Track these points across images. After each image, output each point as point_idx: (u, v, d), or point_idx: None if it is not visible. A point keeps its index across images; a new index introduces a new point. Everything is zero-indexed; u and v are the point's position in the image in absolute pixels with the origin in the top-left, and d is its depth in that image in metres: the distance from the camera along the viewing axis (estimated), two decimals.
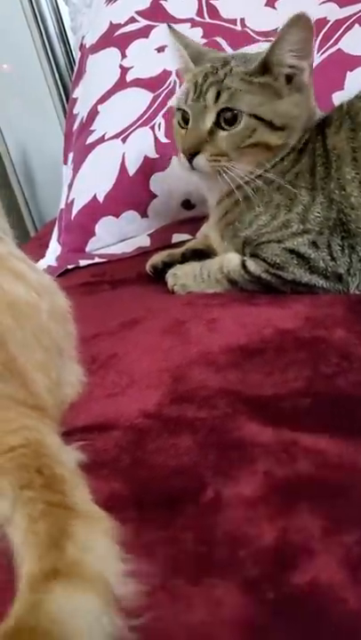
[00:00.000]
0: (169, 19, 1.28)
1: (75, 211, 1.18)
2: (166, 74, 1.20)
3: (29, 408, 0.52)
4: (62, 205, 1.25)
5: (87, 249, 1.18)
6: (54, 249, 1.23)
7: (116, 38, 1.31)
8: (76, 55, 1.71)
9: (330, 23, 1.15)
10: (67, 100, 1.83)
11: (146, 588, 0.36)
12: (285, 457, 0.46)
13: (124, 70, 1.25)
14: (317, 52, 1.12)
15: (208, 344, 0.67)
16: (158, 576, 0.37)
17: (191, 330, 0.72)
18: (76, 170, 1.22)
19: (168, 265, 0.93)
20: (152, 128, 1.15)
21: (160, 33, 1.26)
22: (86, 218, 1.17)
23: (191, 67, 0.86)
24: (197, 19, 1.27)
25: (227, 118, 0.78)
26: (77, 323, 0.84)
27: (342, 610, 0.34)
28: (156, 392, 0.59)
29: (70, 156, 1.29)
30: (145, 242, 1.15)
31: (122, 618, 0.34)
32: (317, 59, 1.12)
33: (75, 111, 1.35)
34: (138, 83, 1.21)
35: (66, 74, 1.88)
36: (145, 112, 1.17)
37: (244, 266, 0.80)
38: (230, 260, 0.82)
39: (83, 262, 1.13)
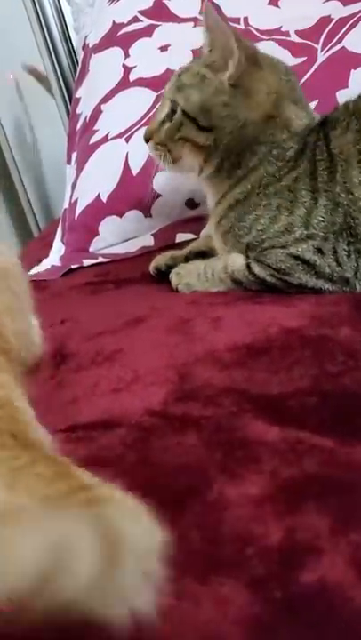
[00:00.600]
0: (172, 18, 1.28)
1: (78, 210, 1.18)
2: (169, 73, 1.18)
3: None
4: (66, 205, 1.25)
5: (91, 249, 1.18)
6: (58, 248, 1.23)
7: (119, 38, 1.31)
8: (79, 55, 1.71)
9: (334, 21, 1.15)
10: (70, 99, 1.83)
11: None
12: (292, 456, 0.45)
13: (127, 70, 1.24)
14: (321, 50, 1.12)
15: (213, 342, 0.66)
16: (164, 575, 0.37)
17: (196, 328, 0.72)
18: (79, 169, 1.22)
19: (171, 267, 0.93)
20: None
21: (163, 32, 1.26)
22: (90, 217, 1.17)
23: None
24: (201, 17, 1.26)
25: (174, 110, 0.83)
26: (81, 322, 0.84)
27: (350, 609, 0.34)
28: (162, 389, 0.59)
29: (74, 155, 1.29)
30: (149, 241, 1.15)
31: None
32: (322, 57, 1.12)
33: (78, 111, 1.35)
34: (141, 82, 1.21)
35: (69, 73, 1.88)
36: (148, 111, 1.17)
37: (248, 267, 0.80)
38: (235, 260, 0.82)
39: (86, 262, 1.12)
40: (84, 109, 1.31)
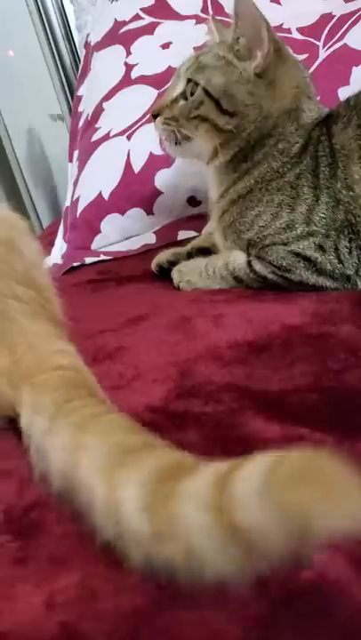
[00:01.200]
0: (174, 15, 1.28)
1: (80, 208, 1.18)
2: (171, 71, 1.18)
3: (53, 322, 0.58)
4: (68, 203, 1.25)
5: (93, 246, 1.18)
6: (60, 246, 1.23)
7: (120, 36, 1.31)
8: (81, 53, 1.71)
9: (335, 18, 1.14)
10: (72, 97, 1.83)
11: None
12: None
13: (129, 67, 1.24)
14: (323, 47, 1.12)
15: (214, 339, 0.66)
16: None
17: (197, 325, 0.72)
18: (81, 167, 1.22)
19: (173, 264, 0.93)
20: None
21: (165, 30, 1.25)
22: (92, 215, 1.17)
23: (216, 36, 0.90)
24: (202, 15, 1.26)
25: (191, 91, 0.83)
26: (83, 320, 0.84)
27: (349, 606, 0.34)
28: (162, 386, 0.59)
29: (75, 153, 1.29)
30: (151, 239, 1.15)
31: None
32: (323, 54, 1.11)
33: (80, 109, 1.35)
34: (143, 80, 1.21)
35: (71, 72, 1.88)
36: (150, 109, 1.17)
37: (249, 265, 0.80)
38: (236, 257, 0.82)
39: (88, 260, 1.12)
40: (86, 107, 1.31)
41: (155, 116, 0.87)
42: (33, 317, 0.58)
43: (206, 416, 0.52)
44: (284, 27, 1.19)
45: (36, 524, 0.44)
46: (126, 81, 1.23)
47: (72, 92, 1.84)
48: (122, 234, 1.18)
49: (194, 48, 1.12)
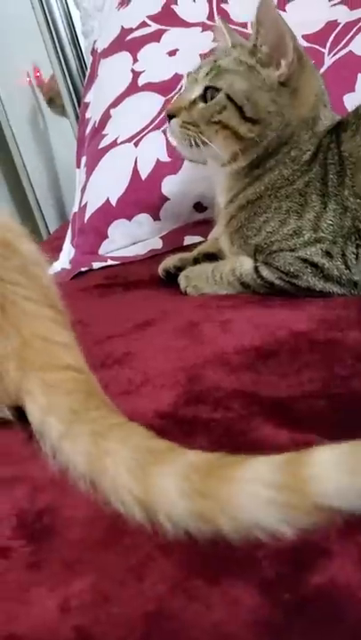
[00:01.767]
0: (180, 23, 1.29)
1: (88, 214, 1.19)
2: (178, 78, 1.20)
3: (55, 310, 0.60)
4: (75, 209, 1.26)
5: (100, 251, 1.19)
6: (68, 251, 1.24)
7: (127, 43, 1.32)
8: (88, 59, 1.72)
9: (341, 25, 1.15)
10: (78, 103, 1.84)
11: None
12: None
13: (136, 74, 1.25)
14: (328, 54, 1.13)
15: (222, 345, 0.67)
16: (176, 577, 0.37)
17: (205, 331, 0.72)
18: (88, 174, 1.23)
19: (180, 269, 0.94)
20: (164, 132, 1.16)
21: (171, 37, 1.26)
22: (99, 221, 1.18)
23: (228, 39, 0.89)
24: (208, 22, 1.27)
25: (213, 95, 0.82)
26: (91, 325, 0.85)
27: (360, 610, 0.34)
28: (171, 392, 0.59)
29: (83, 159, 1.30)
30: (157, 244, 1.16)
31: None
32: (328, 61, 1.12)
33: (87, 115, 1.36)
34: (149, 87, 1.22)
35: (77, 78, 1.89)
36: (157, 116, 1.18)
37: (256, 270, 0.80)
38: (243, 263, 0.82)
39: (96, 265, 1.13)
40: (93, 114, 1.32)
41: (170, 117, 0.85)
42: (35, 304, 0.59)
43: (215, 422, 0.52)
44: None
45: (48, 529, 0.44)
46: (133, 88, 1.24)
47: (78, 97, 1.86)
48: (129, 239, 1.19)
49: (200, 55, 1.13)
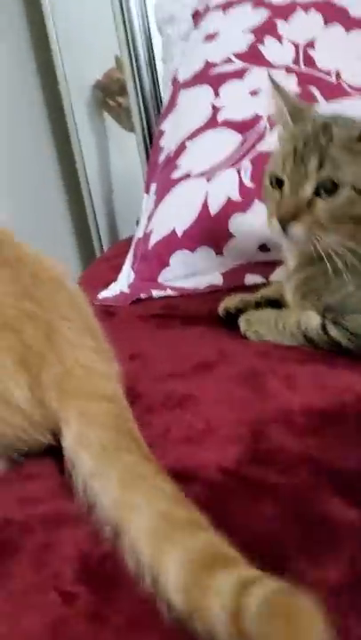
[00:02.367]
0: (265, 63, 1.30)
1: (152, 241, 1.20)
2: (257, 118, 1.21)
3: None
4: (140, 234, 1.28)
5: (159, 279, 1.20)
6: (127, 275, 1.25)
7: (210, 77, 1.33)
8: (163, 84, 1.75)
9: None
10: (147, 124, 1.88)
11: None
12: None
13: (216, 110, 1.27)
14: None
15: (286, 402, 0.67)
16: None
17: (268, 383, 0.72)
18: (157, 202, 1.24)
19: (240, 310, 0.94)
20: (238, 171, 1.17)
21: (255, 77, 1.28)
22: (162, 249, 1.19)
23: (289, 123, 0.85)
24: (293, 66, 1.28)
25: (326, 188, 0.77)
26: (149, 360, 0.86)
27: None
28: (235, 446, 0.59)
29: (153, 186, 1.31)
30: (217, 280, 1.16)
31: None
32: None
33: (161, 144, 1.38)
34: (228, 124, 1.23)
35: (150, 101, 1.93)
36: (233, 154, 1.19)
37: (324, 328, 0.80)
38: (309, 318, 0.82)
39: (155, 293, 1.14)
40: (168, 143, 1.33)
41: (288, 221, 0.78)
42: (79, 334, 0.63)
43: (282, 487, 0.52)
44: None
45: (111, 577, 0.45)
46: (212, 122, 1.25)
47: (148, 119, 1.89)
48: (189, 270, 1.19)
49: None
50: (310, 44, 1.31)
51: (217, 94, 1.29)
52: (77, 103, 2.06)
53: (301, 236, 0.78)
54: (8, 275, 0.64)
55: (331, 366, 0.75)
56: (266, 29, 1.35)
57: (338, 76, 1.25)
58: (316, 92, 1.22)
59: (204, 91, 1.32)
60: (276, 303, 0.93)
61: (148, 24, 1.89)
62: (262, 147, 1.18)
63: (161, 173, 1.29)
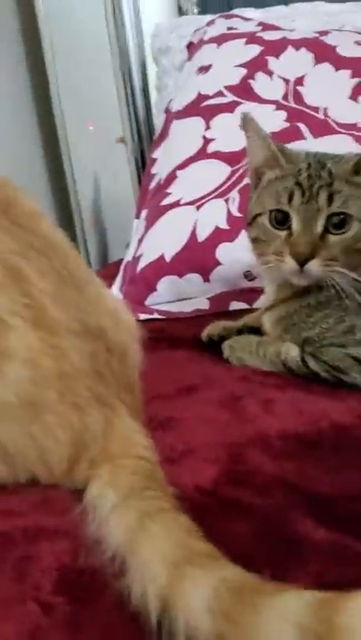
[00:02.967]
0: (255, 98, 1.35)
1: (141, 265, 1.23)
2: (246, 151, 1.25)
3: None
4: (129, 258, 1.31)
5: (147, 302, 1.23)
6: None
7: (202, 108, 1.38)
8: (156, 113, 1.80)
9: None
10: (141, 153, 1.92)
11: None
12: (336, 560, 0.48)
13: (207, 141, 1.31)
14: None
15: (264, 426, 0.69)
16: None
17: (247, 407, 0.75)
18: (147, 227, 1.27)
19: (223, 337, 0.97)
20: (226, 201, 1.21)
21: (245, 110, 1.32)
22: (151, 274, 1.22)
23: (282, 163, 0.86)
24: (282, 102, 1.33)
25: (335, 222, 0.78)
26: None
27: None
28: (212, 467, 0.61)
29: (144, 212, 1.35)
30: (204, 304, 1.19)
31: None
32: None
33: (153, 171, 1.42)
34: (218, 155, 1.27)
35: (143, 127, 1.97)
36: (221, 185, 1.23)
37: (303, 361, 0.82)
38: (289, 349, 0.84)
39: (143, 316, 1.17)
40: (160, 171, 1.37)
41: (307, 259, 0.78)
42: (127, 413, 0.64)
43: (256, 508, 0.54)
44: (359, 125, 1.25)
45: (89, 589, 0.46)
46: (202, 153, 1.29)
47: (142, 148, 1.93)
48: (176, 295, 1.22)
49: (271, 133, 1.18)
50: (299, 81, 1.36)
51: (208, 126, 1.34)
52: (71, 127, 2.10)
53: (318, 272, 0.79)
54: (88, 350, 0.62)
55: (308, 392, 0.78)
56: (257, 65, 1.40)
57: (325, 113, 1.30)
58: (304, 128, 1.27)
59: (196, 122, 1.36)
60: (258, 331, 0.96)
61: (143, 53, 1.95)
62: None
63: (152, 200, 1.33)
